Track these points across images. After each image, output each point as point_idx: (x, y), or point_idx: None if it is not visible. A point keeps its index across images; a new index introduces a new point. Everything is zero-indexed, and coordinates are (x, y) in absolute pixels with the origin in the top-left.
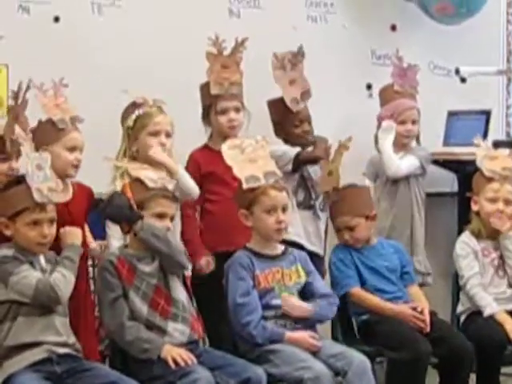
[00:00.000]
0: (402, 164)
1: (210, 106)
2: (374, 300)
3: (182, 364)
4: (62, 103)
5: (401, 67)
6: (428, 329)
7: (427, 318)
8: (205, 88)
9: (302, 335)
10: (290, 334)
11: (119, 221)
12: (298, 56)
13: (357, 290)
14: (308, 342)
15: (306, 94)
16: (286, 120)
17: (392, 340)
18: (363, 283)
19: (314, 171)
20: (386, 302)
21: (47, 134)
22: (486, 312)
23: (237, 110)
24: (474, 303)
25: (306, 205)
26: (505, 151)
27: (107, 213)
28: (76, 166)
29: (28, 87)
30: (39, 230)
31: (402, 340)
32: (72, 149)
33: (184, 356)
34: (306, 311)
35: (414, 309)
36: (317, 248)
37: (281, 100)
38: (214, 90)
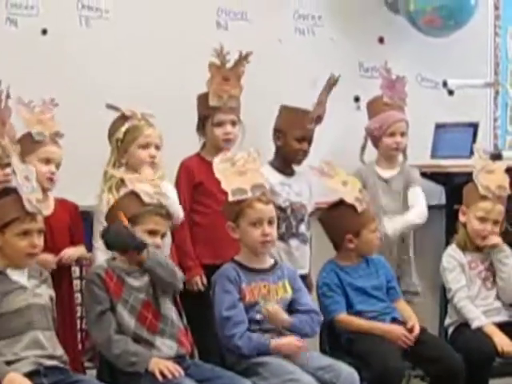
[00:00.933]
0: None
1: (207, 117)
2: (362, 324)
3: (170, 376)
4: (47, 119)
5: (389, 79)
6: (410, 343)
7: (415, 335)
8: (202, 99)
9: (288, 339)
10: (276, 341)
11: (126, 250)
12: (331, 85)
13: (343, 317)
14: (295, 346)
15: (319, 119)
16: (292, 131)
17: (367, 357)
18: (350, 306)
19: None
20: (373, 322)
21: (25, 145)
22: (474, 324)
23: (233, 123)
24: (462, 316)
25: (289, 234)
26: (502, 166)
27: (112, 243)
28: (50, 179)
29: (8, 95)
30: (29, 240)
31: (374, 356)
32: (46, 161)
33: (171, 368)
34: (284, 321)
35: (405, 327)
36: (304, 270)
37: (295, 110)
38: (212, 102)
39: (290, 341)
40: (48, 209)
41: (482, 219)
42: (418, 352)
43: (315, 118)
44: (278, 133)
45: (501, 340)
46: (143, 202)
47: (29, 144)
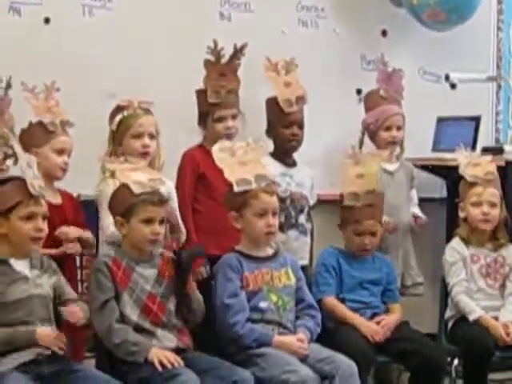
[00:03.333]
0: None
1: (207, 112)
2: (344, 312)
3: (169, 366)
4: (53, 106)
5: (386, 72)
6: (378, 338)
7: (385, 328)
8: (201, 94)
9: (290, 339)
10: (277, 338)
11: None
12: (291, 65)
13: (330, 300)
14: (296, 346)
15: (301, 100)
16: (278, 120)
17: (341, 348)
18: (341, 291)
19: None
20: (354, 314)
21: (37, 136)
22: (471, 318)
23: (234, 117)
24: (459, 310)
25: (288, 225)
26: (487, 157)
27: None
28: (64, 169)
29: (9, 84)
30: (34, 224)
31: (346, 348)
32: (60, 151)
33: (171, 358)
34: (304, 349)
35: (379, 323)
36: (303, 261)
37: (274, 99)
38: (211, 99)
39: (292, 341)
40: (57, 198)
41: (476, 204)
42: (397, 347)
43: (295, 99)
44: (269, 126)
45: (498, 330)
46: (134, 193)
47: (41, 135)
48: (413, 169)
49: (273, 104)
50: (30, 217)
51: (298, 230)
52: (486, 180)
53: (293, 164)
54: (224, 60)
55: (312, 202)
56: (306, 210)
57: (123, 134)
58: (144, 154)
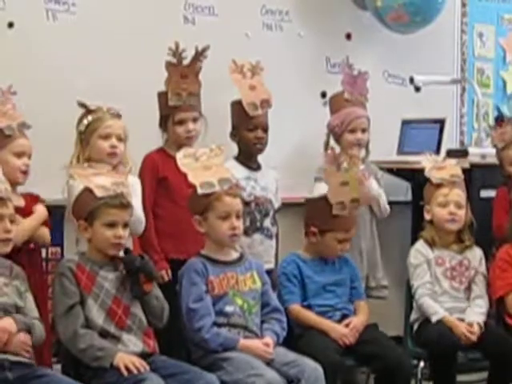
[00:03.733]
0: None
1: (168, 115)
2: (310, 317)
3: (135, 371)
4: (9, 110)
5: (351, 75)
6: (349, 341)
7: (353, 331)
8: (162, 97)
9: (255, 343)
10: (243, 342)
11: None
12: (256, 68)
13: (295, 308)
14: (261, 350)
15: (265, 103)
16: (242, 123)
17: (309, 351)
18: (305, 298)
19: (263, 186)
20: (320, 318)
21: None
22: (434, 319)
23: (194, 120)
24: (423, 312)
25: (253, 229)
26: (452, 161)
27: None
28: (24, 172)
29: None
30: (2, 226)
31: (314, 354)
32: (19, 154)
33: (137, 363)
34: (269, 353)
35: (347, 326)
36: (269, 265)
37: (238, 103)
38: (171, 101)
39: (256, 344)
40: (19, 201)
41: (443, 204)
42: (363, 349)
43: (260, 103)
44: (233, 129)
45: (461, 329)
46: (97, 197)
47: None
48: (377, 171)
49: (237, 107)
50: None
51: (263, 234)
52: (452, 182)
53: (257, 168)
54: (186, 62)
55: (277, 205)
56: (272, 213)
57: (91, 134)
58: (112, 155)
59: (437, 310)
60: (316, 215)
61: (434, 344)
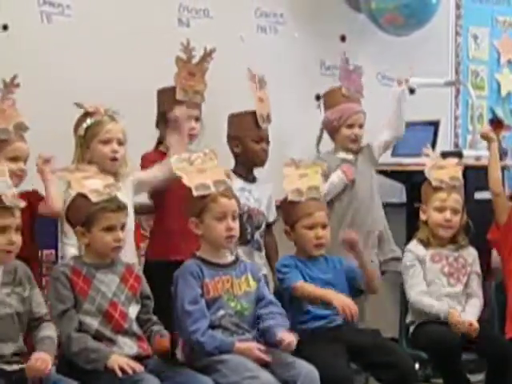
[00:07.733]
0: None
1: (169, 112)
2: (316, 291)
3: (130, 372)
4: (8, 108)
5: (347, 69)
6: (354, 309)
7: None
8: (162, 94)
9: (249, 346)
10: (238, 344)
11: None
12: (262, 81)
13: (299, 284)
14: (255, 354)
15: (269, 117)
16: (249, 134)
17: (315, 361)
18: None
19: (257, 198)
20: (325, 290)
21: None
22: (442, 316)
23: (197, 119)
24: (418, 310)
25: (242, 241)
26: (453, 160)
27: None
28: (19, 176)
29: None
30: (7, 237)
31: (321, 363)
32: (14, 159)
33: (131, 364)
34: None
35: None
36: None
37: (244, 114)
38: (179, 96)
39: (250, 347)
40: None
41: (440, 209)
42: (370, 357)
43: (265, 116)
44: (235, 140)
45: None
46: (92, 202)
47: None
48: (372, 151)
49: (244, 118)
50: (3, 229)
51: (253, 247)
52: (451, 186)
53: (253, 180)
54: (194, 61)
55: (272, 217)
56: (263, 227)
57: (91, 139)
58: (113, 160)
59: (439, 307)
60: (283, 214)
61: (436, 345)
